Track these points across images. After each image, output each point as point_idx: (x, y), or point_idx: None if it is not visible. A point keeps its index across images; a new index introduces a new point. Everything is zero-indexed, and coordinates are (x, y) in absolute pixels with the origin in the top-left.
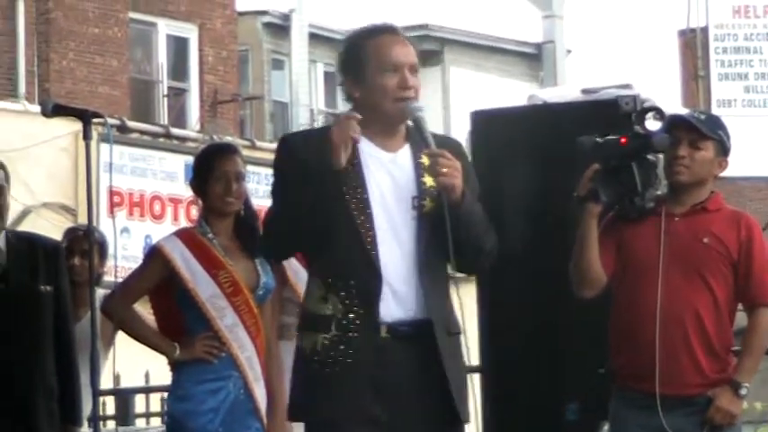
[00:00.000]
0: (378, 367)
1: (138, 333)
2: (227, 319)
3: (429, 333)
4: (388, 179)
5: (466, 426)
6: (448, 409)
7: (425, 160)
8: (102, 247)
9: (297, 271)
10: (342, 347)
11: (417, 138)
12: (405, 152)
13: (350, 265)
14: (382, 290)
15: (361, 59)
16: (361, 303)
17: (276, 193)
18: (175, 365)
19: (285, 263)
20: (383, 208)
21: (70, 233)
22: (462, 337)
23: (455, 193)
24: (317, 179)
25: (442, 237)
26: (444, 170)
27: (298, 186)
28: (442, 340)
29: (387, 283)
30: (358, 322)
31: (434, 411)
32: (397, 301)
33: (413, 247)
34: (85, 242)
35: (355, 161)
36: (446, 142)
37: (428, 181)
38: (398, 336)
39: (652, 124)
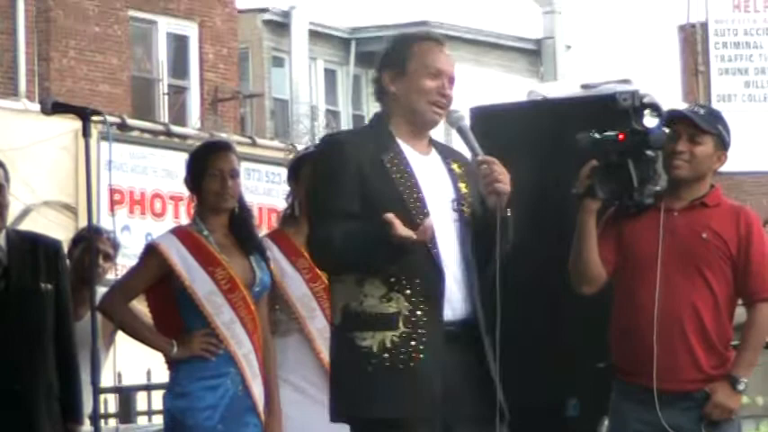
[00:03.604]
0: (444, 365)
1: (135, 331)
2: (224, 316)
3: (477, 333)
4: (431, 181)
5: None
6: (492, 409)
7: (456, 167)
8: (116, 249)
9: (284, 269)
10: (413, 343)
11: (441, 146)
12: (435, 156)
13: (415, 264)
14: (446, 288)
15: (407, 56)
16: (426, 301)
17: (335, 209)
18: (173, 363)
19: (273, 260)
20: (434, 209)
21: (97, 233)
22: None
23: (506, 199)
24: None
25: (484, 241)
26: (501, 177)
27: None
28: (487, 340)
29: (447, 281)
30: (425, 319)
31: (482, 411)
32: (455, 300)
33: (459, 249)
34: (108, 245)
35: (403, 160)
36: (457, 153)
37: (463, 187)
38: (453, 336)
39: (649, 120)
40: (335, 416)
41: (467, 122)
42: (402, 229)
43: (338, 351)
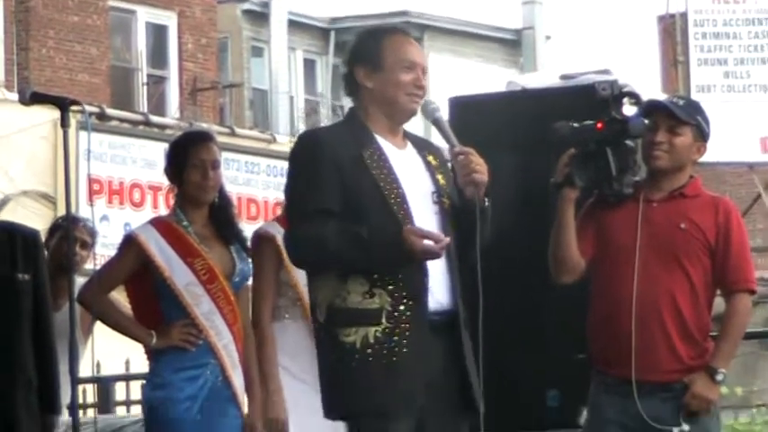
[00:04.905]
0: (426, 357)
1: (115, 322)
2: (203, 307)
3: (457, 324)
4: (410, 175)
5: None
6: (467, 399)
7: (432, 159)
8: (93, 237)
9: None
10: (396, 338)
11: (415, 139)
12: (411, 150)
13: None
14: (429, 281)
15: (380, 51)
16: (409, 296)
17: (309, 209)
18: (152, 353)
19: (282, 247)
20: (414, 202)
21: (73, 221)
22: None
23: (484, 189)
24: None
25: (464, 231)
26: (478, 167)
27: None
28: (464, 331)
29: (431, 274)
30: (409, 313)
31: (458, 401)
32: (439, 291)
33: None
34: (85, 232)
35: (382, 155)
36: (431, 145)
37: (440, 179)
38: (437, 326)
39: (628, 109)
40: (328, 413)
41: (442, 114)
42: (420, 242)
43: (323, 348)
